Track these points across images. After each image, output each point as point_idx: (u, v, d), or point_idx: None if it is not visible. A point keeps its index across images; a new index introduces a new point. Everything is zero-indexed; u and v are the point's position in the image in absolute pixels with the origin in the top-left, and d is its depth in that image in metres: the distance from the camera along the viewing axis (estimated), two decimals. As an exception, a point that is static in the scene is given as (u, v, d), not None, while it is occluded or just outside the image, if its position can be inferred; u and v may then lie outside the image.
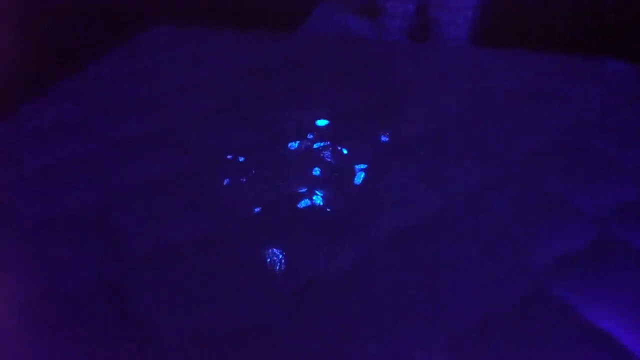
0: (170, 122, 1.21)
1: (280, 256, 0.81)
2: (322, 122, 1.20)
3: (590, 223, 0.89)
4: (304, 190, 0.97)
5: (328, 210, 0.91)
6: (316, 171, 1.03)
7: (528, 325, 0.70)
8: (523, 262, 0.81)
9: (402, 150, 1.10)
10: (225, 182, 0.98)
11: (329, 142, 1.12)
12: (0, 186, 0.99)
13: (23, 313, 0.71)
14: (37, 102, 1.31)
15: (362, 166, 1.04)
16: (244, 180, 0.99)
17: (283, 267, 0.79)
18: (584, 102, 1.30)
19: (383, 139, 1.14)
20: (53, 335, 0.68)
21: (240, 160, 1.05)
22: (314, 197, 0.94)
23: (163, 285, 0.76)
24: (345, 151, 1.09)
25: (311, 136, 1.14)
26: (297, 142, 1.11)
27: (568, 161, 1.07)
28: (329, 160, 1.06)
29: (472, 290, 0.76)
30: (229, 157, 1.06)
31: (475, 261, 0.80)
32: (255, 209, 0.91)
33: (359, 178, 1.00)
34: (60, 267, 0.79)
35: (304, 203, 0.93)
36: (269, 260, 0.80)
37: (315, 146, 1.11)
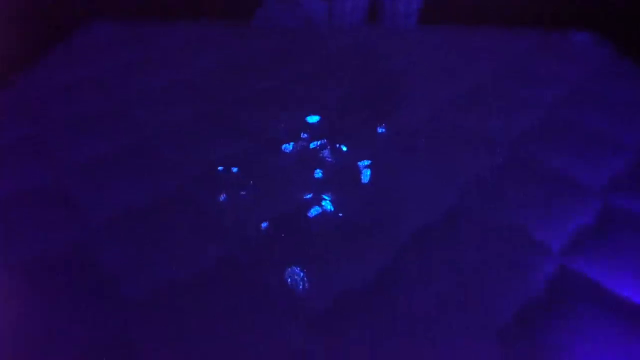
0: (142, 136, 1.07)
1: (302, 274, 0.73)
2: (313, 119, 1.12)
3: (591, 196, 0.90)
4: (309, 196, 0.89)
5: (340, 215, 0.85)
6: (318, 173, 0.95)
7: (559, 307, 0.69)
8: (543, 245, 0.80)
9: (403, 141, 1.05)
10: (222, 198, 0.88)
11: (325, 140, 1.04)
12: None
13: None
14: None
15: (366, 162, 0.98)
16: (243, 193, 0.90)
17: (307, 286, 0.72)
18: (559, 77, 1.32)
19: (380, 130, 1.09)
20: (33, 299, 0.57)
21: (234, 171, 0.95)
22: (323, 203, 0.87)
23: (169, 336, 0.66)
24: (344, 148, 1.02)
25: (305, 135, 1.06)
26: (291, 143, 1.03)
27: (562, 136, 1.07)
28: (329, 160, 0.99)
29: (503, 286, 0.73)
30: (220, 169, 0.96)
31: (500, 255, 0.78)
32: (262, 225, 0.82)
33: (366, 176, 0.94)
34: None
35: (314, 211, 0.85)
36: (289, 280, 0.73)
37: (311, 146, 1.03)
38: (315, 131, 1.08)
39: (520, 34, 1.57)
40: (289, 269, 0.74)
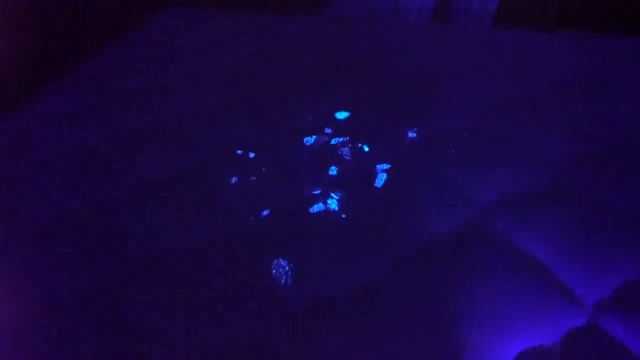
0: (178, 114, 1.14)
1: (287, 268, 0.73)
2: (341, 115, 1.09)
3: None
4: (317, 192, 0.88)
5: (343, 217, 0.82)
6: (333, 170, 0.93)
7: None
8: (575, 297, 0.69)
9: (431, 148, 0.98)
10: (233, 180, 0.91)
11: (348, 138, 1.01)
12: (8, 180, 0.96)
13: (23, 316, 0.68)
14: (51, 91, 1.28)
15: (385, 166, 0.93)
16: (254, 178, 0.91)
17: (289, 281, 0.71)
18: (628, 89, 1.11)
19: (409, 135, 1.02)
20: (54, 339, 0.65)
21: (251, 156, 0.97)
22: (329, 201, 0.85)
23: (159, 294, 0.70)
24: (366, 148, 0.98)
25: (329, 130, 1.04)
26: (314, 137, 1.02)
27: (625, 167, 0.91)
28: (347, 158, 0.96)
29: (509, 328, 0.65)
30: (238, 152, 0.98)
31: (510, 291, 0.69)
32: (263, 212, 0.83)
33: (380, 180, 0.89)
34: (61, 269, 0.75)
35: (316, 207, 0.84)
36: (274, 272, 0.72)
37: (332, 142, 1.01)
38: (340, 127, 1.05)
39: (607, 41, 1.36)
40: (276, 261, 0.74)
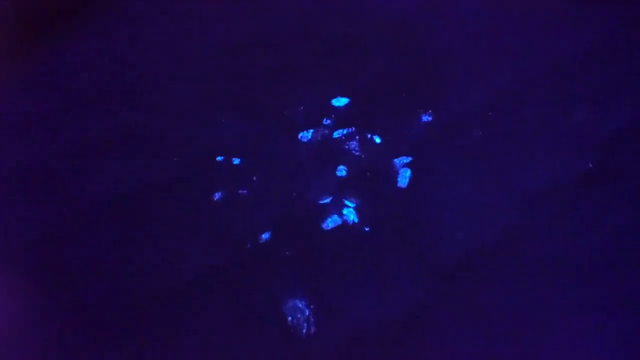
0: (145, 116, 0.90)
1: (307, 312, 0.54)
2: (340, 101, 0.90)
3: None
4: (327, 200, 0.69)
5: (366, 230, 0.64)
6: (341, 171, 0.74)
7: None
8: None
9: (452, 134, 0.81)
10: (217, 196, 0.70)
11: (353, 129, 0.83)
12: None
13: None
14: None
15: (405, 160, 0.75)
16: (243, 192, 0.71)
17: (312, 328, 0.52)
18: None
19: (424, 119, 0.85)
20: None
21: (236, 162, 0.76)
22: (345, 212, 0.66)
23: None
24: (377, 139, 0.80)
25: (328, 121, 0.85)
26: (310, 130, 0.82)
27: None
28: (357, 154, 0.78)
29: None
30: (219, 159, 0.77)
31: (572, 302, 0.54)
32: (263, 235, 0.63)
33: (404, 178, 0.72)
34: None
35: (331, 222, 0.65)
36: (290, 319, 0.53)
37: (335, 135, 0.82)
38: (341, 117, 0.86)
39: (629, 6, 1.24)
40: (291, 302, 0.55)
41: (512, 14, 1.18)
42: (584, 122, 0.82)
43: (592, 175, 0.72)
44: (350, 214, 0.66)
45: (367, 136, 0.81)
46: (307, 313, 0.54)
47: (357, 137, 0.81)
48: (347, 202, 0.68)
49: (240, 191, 0.71)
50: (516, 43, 1.06)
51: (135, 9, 1.37)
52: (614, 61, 0.99)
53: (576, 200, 0.68)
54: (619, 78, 0.93)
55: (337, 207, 0.68)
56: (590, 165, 0.73)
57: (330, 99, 0.91)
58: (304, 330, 0.52)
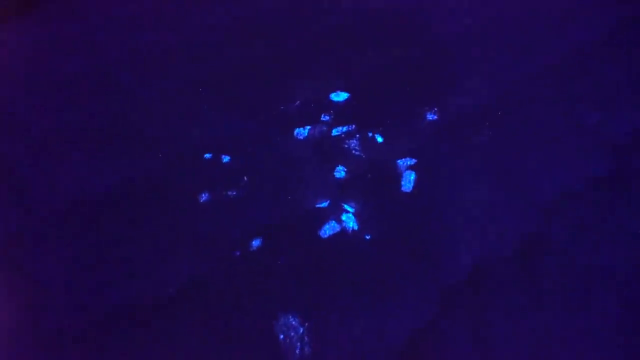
0: (123, 107, 0.83)
1: (301, 330, 0.48)
2: (340, 96, 0.84)
3: None
4: (325, 204, 0.63)
5: (367, 238, 0.58)
6: (340, 172, 0.69)
7: None
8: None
9: (459, 132, 0.76)
10: (203, 197, 0.64)
11: (353, 126, 0.77)
12: None
13: None
14: None
15: (410, 162, 0.70)
16: (232, 193, 0.65)
17: (306, 348, 0.47)
18: None
19: (429, 117, 0.79)
20: None
21: (225, 160, 0.70)
22: (344, 217, 0.61)
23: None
24: (379, 138, 0.75)
25: (326, 117, 0.79)
26: (307, 128, 0.76)
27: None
28: (357, 153, 0.72)
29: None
30: (207, 156, 0.71)
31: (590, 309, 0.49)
32: (253, 242, 0.57)
33: (408, 182, 0.66)
34: None
35: (328, 228, 0.59)
36: (282, 337, 0.48)
37: (334, 133, 0.76)
38: (341, 113, 0.80)
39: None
40: (283, 319, 0.49)
41: (511, 4, 1.12)
42: (598, 124, 0.77)
43: (606, 181, 0.67)
44: (349, 220, 0.60)
45: (368, 134, 0.75)
46: (301, 331, 0.48)
47: (357, 135, 0.75)
48: (346, 207, 0.62)
49: (229, 192, 0.64)
50: (527, 35, 1.00)
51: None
52: (619, 54, 0.94)
53: (592, 206, 0.63)
54: (631, 78, 0.88)
55: (335, 212, 0.62)
56: (602, 169, 0.68)
57: (329, 94, 0.85)
58: (297, 351, 0.46)
